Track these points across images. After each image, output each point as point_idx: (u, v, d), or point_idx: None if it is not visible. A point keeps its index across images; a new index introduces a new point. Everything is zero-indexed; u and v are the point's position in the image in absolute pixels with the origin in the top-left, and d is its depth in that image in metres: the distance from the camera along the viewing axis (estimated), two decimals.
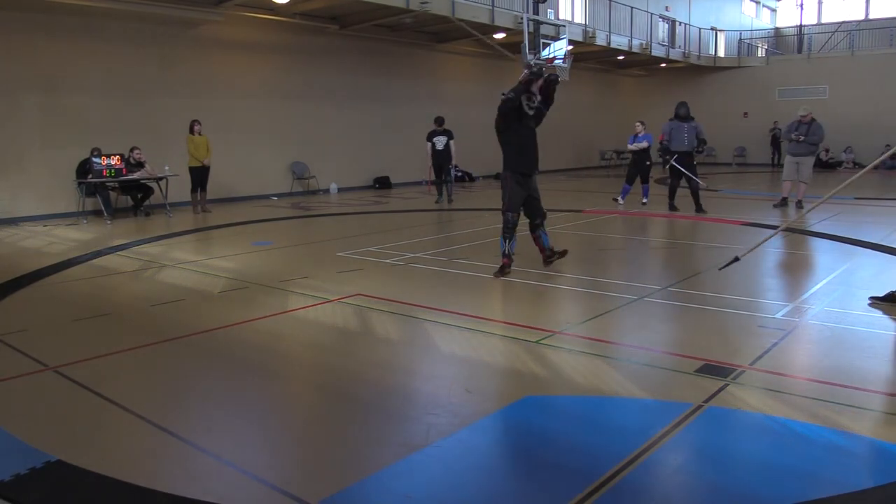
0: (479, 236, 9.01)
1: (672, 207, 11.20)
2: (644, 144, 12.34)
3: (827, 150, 22.48)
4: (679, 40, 24.99)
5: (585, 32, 19.48)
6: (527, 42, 16.18)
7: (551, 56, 17.03)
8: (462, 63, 19.71)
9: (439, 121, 13.04)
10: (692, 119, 10.94)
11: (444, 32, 17.42)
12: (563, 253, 6.73)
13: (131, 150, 11.84)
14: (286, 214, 12.11)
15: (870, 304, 5.16)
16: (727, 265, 5.84)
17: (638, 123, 12.60)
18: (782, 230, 6.57)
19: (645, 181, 12.48)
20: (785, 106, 22.28)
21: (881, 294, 5.18)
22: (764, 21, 32.92)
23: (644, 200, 12.35)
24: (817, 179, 15.24)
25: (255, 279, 6.45)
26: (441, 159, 13.12)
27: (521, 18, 16.25)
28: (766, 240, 6.69)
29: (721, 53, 27.42)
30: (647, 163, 12.44)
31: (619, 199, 12.51)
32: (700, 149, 10.93)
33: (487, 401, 3.48)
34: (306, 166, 15.69)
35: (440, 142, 12.99)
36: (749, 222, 9.94)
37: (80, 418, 3.38)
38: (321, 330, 4.91)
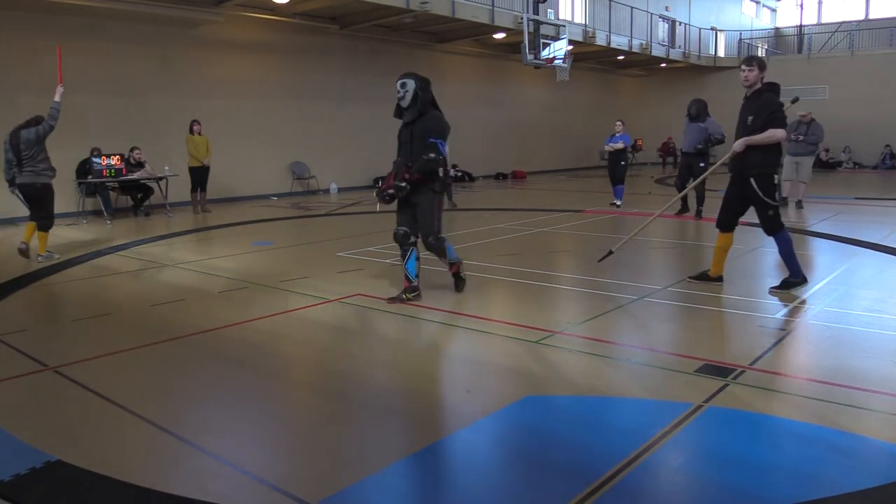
0: (478, 236, 9.01)
1: (684, 210, 10.73)
2: (619, 145, 12.05)
3: (827, 150, 22.49)
4: (679, 40, 25.00)
5: (585, 32, 19.49)
6: (527, 42, 16.20)
7: (551, 56, 17.05)
8: (462, 63, 19.71)
9: None
10: (702, 118, 10.31)
11: (444, 32, 17.42)
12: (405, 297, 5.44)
13: (131, 150, 11.84)
14: (286, 214, 12.11)
15: (687, 280, 5.86)
16: (604, 258, 6.41)
17: (618, 122, 12.30)
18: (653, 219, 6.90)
19: (620, 182, 12.20)
20: (784, 106, 22.25)
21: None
22: (764, 21, 32.93)
23: (618, 202, 12.11)
24: (817, 179, 15.24)
25: (255, 279, 6.45)
26: None
27: (521, 18, 16.27)
28: (636, 233, 6.86)
29: (721, 53, 27.41)
30: (623, 163, 12.19)
31: (616, 201, 12.31)
32: (700, 145, 10.12)
33: (487, 401, 3.48)
34: (306, 166, 15.69)
35: None
36: (749, 222, 9.93)
37: (80, 418, 3.38)
38: (321, 330, 4.91)
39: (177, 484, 2.67)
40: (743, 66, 5.64)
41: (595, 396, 3.57)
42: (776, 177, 5.50)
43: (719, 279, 5.86)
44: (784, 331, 4.55)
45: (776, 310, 5.11)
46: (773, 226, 5.51)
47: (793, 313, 5.01)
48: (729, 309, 5.15)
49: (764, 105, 5.44)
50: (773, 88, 5.55)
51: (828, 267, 6.83)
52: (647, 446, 2.89)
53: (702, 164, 10.34)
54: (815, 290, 5.77)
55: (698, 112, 10.32)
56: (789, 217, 10.65)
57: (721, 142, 10.34)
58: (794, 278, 5.55)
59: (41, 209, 7.75)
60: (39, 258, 7.64)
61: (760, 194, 5.44)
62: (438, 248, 5.42)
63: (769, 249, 8.00)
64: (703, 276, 5.91)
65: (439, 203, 5.34)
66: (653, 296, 5.57)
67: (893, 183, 17.64)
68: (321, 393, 3.79)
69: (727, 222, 5.77)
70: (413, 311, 5.22)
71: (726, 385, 3.58)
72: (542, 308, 5.44)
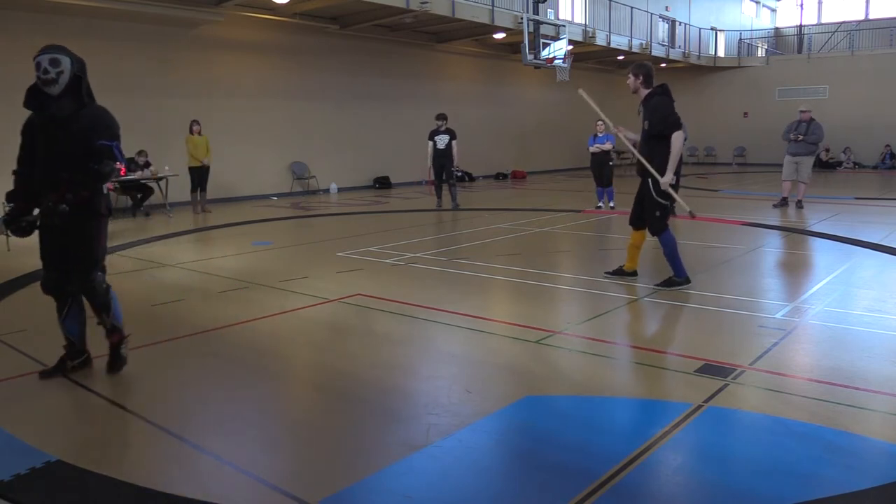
0: (479, 236, 9.01)
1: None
2: (607, 146, 11.72)
3: (827, 150, 22.49)
4: (679, 40, 25.00)
5: (585, 32, 19.49)
6: (527, 42, 16.20)
7: (551, 56, 17.05)
8: (462, 63, 19.71)
9: (441, 116, 12.64)
10: None
11: (444, 32, 17.42)
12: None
13: (138, 153, 11.88)
14: (286, 214, 12.11)
15: (604, 275, 6.12)
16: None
17: (599, 122, 11.73)
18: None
19: (609, 183, 11.90)
20: (785, 106, 22.28)
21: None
22: (764, 21, 32.92)
23: (611, 204, 11.84)
24: (817, 179, 15.25)
25: (255, 279, 6.45)
26: (443, 159, 12.50)
27: (521, 18, 16.27)
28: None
29: (721, 53, 27.42)
30: (610, 163, 11.91)
31: (600, 203, 11.99)
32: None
33: (487, 401, 3.48)
34: (306, 166, 15.69)
35: (441, 141, 12.46)
36: (749, 222, 9.94)
37: (81, 418, 3.38)
38: (321, 330, 4.91)
39: (177, 484, 2.67)
40: (628, 74, 5.88)
41: (595, 396, 3.57)
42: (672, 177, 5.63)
43: (634, 273, 6.09)
44: (784, 331, 4.55)
45: (776, 310, 5.12)
46: (657, 226, 5.74)
47: (793, 313, 5.01)
48: (729, 309, 5.15)
49: (655, 109, 5.64)
50: (662, 90, 5.71)
51: (828, 267, 6.83)
52: (647, 446, 2.89)
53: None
54: (815, 290, 5.77)
55: None
56: (789, 217, 10.66)
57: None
58: (677, 277, 5.76)
59: None
60: None
61: (653, 194, 5.66)
62: (101, 294, 3.84)
63: (769, 249, 8.01)
64: (620, 271, 6.13)
65: (104, 228, 3.88)
66: (653, 296, 5.57)
67: (893, 183, 17.64)
68: (321, 393, 3.79)
69: (636, 221, 5.97)
70: (413, 311, 5.22)
71: (726, 385, 3.58)
72: (542, 308, 5.44)
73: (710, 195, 13.76)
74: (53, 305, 5.72)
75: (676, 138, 5.56)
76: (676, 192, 5.76)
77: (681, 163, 5.83)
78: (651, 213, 5.72)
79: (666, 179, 5.56)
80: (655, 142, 5.63)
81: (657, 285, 5.81)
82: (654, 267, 6.51)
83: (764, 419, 3.21)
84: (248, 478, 2.75)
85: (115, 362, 3.91)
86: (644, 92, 5.74)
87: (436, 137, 12.50)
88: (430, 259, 7.41)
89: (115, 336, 3.92)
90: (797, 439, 3.01)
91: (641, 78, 5.74)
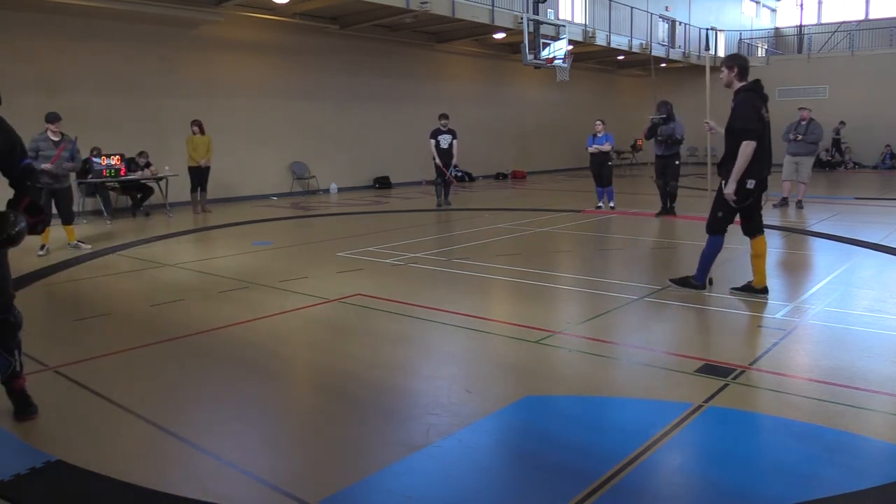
0: (479, 236, 9.01)
1: (663, 210, 10.83)
2: (607, 147, 11.70)
3: (827, 150, 22.47)
4: (679, 40, 24.99)
5: (585, 32, 19.49)
6: (527, 42, 16.20)
7: (551, 56, 17.05)
8: (462, 63, 19.71)
9: (445, 116, 12.70)
10: (672, 119, 10.61)
11: (444, 32, 17.43)
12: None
13: (139, 153, 11.88)
14: (286, 214, 12.11)
15: (731, 291, 5.54)
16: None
17: (598, 122, 11.97)
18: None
19: (608, 183, 11.88)
20: (785, 106, 22.25)
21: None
22: (764, 21, 32.92)
23: (611, 204, 11.82)
24: (817, 179, 15.24)
25: (255, 279, 6.45)
26: (446, 158, 12.61)
27: (521, 18, 16.27)
28: None
29: (721, 53, 27.39)
30: (609, 163, 11.88)
31: (600, 203, 12.00)
32: (672, 142, 10.52)
33: (487, 401, 3.48)
34: (306, 166, 15.69)
35: (444, 140, 12.57)
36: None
37: (80, 418, 3.37)
38: (321, 330, 4.91)
39: (177, 484, 2.67)
40: (721, 66, 5.48)
41: (595, 396, 3.57)
42: (749, 181, 5.20)
43: (763, 290, 5.45)
44: (784, 331, 4.55)
45: (776, 310, 5.11)
46: (713, 227, 5.48)
47: (793, 313, 5.01)
48: (729, 309, 5.15)
49: (735, 108, 5.31)
50: (752, 87, 5.30)
51: (828, 267, 6.83)
52: (647, 446, 2.89)
53: (676, 163, 10.64)
54: (816, 291, 5.77)
55: (669, 114, 10.61)
56: (789, 217, 10.65)
57: (680, 142, 10.65)
58: (695, 280, 5.64)
59: None
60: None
61: (724, 193, 5.31)
62: (18, 329, 3.47)
63: (770, 250, 7.99)
64: (748, 287, 5.51)
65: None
66: (653, 296, 5.57)
67: (893, 183, 17.64)
68: (321, 393, 3.79)
69: (745, 228, 5.58)
70: (413, 311, 5.22)
71: (726, 385, 3.58)
72: (542, 308, 5.44)
73: (711, 195, 13.74)
74: (53, 305, 5.71)
75: (745, 147, 5.10)
76: (754, 197, 5.34)
77: (766, 166, 5.33)
78: (714, 211, 5.46)
79: (727, 190, 5.23)
80: (732, 142, 5.27)
81: (671, 280, 5.79)
82: (668, 264, 6.52)
83: (764, 419, 3.21)
84: (248, 478, 2.75)
85: (29, 407, 3.34)
86: (737, 86, 5.32)
87: (439, 137, 12.58)
88: (430, 259, 7.41)
89: (22, 380, 3.42)
90: (797, 439, 3.01)
91: (736, 70, 5.29)
